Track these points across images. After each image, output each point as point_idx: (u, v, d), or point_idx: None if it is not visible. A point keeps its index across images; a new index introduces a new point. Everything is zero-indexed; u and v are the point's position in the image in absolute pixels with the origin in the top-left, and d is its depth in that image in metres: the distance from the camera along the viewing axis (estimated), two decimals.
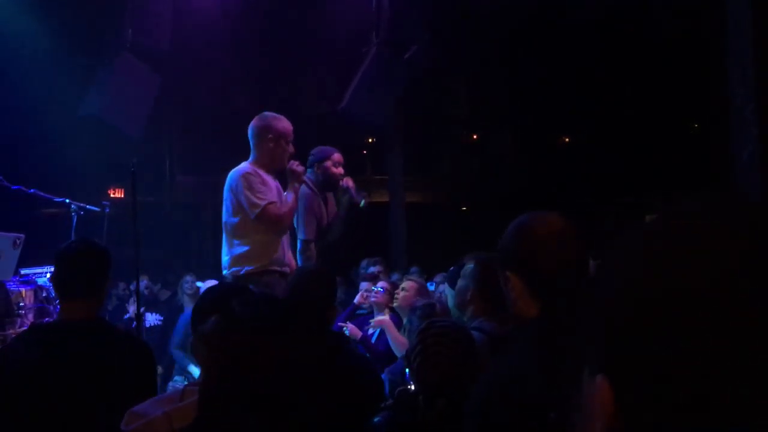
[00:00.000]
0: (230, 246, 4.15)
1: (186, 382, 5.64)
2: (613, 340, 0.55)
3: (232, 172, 4.24)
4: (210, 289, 2.39)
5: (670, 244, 0.55)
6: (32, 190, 4.70)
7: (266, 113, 4.44)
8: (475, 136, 18.78)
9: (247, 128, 4.47)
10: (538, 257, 1.52)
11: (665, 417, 0.51)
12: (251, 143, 4.36)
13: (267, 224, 4.06)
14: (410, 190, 13.19)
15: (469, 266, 3.06)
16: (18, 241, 4.12)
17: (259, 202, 4.04)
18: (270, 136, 4.28)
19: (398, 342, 4.18)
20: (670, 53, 10.78)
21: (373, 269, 6.14)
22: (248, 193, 4.06)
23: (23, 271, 4.47)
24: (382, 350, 4.44)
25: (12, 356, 2.68)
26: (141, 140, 7.38)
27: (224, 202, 4.22)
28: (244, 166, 4.23)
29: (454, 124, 17.51)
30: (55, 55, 7.74)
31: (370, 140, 17.17)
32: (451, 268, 4.79)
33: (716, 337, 0.50)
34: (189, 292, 6.81)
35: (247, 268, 4.06)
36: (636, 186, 13.75)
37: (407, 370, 2.29)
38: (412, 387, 2.22)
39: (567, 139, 17.96)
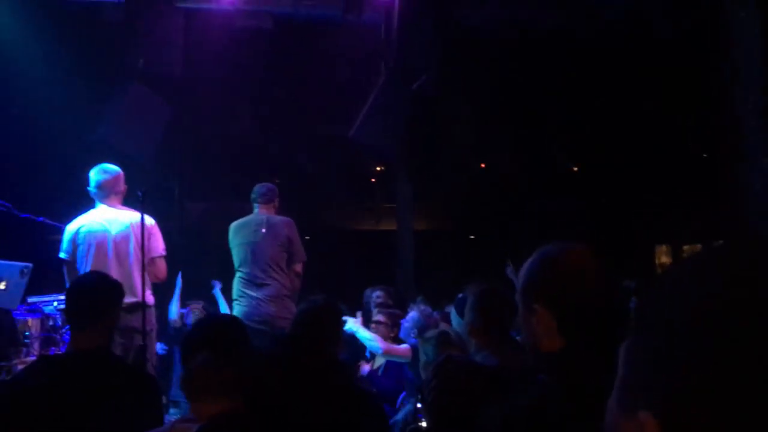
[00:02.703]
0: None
1: (179, 414, 5.60)
2: (672, 380, 0.53)
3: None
4: (198, 323, 2.38)
5: (738, 292, 0.52)
6: (41, 219, 4.71)
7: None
8: (482, 165, 18.79)
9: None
10: (570, 291, 1.46)
11: None
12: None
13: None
14: (418, 218, 13.18)
15: (461, 300, 3.02)
16: (25, 271, 4.12)
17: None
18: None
19: (371, 341, 4.28)
20: (679, 77, 10.78)
21: (375, 296, 6.07)
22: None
23: (30, 299, 4.46)
24: (389, 386, 4.41)
25: (19, 387, 2.69)
26: (151, 167, 7.42)
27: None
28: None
29: (461, 152, 17.54)
30: (66, 82, 7.81)
31: (378, 168, 17.21)
32: (459, 295, 4.78)
33: None
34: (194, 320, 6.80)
35: None
36: (645, 212, 13.69)
37: (419, 405, 2.25)
38: (424, 424, 2.18)
39: (576, 168, 17.95)
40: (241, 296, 5.08)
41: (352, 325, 4.56)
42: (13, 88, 7.68)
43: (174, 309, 6.84)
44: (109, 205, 4.63)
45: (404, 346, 4.43)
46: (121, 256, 4.52)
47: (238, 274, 5.15)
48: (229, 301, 5.52)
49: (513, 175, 17.40)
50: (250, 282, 5.03)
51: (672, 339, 0.54)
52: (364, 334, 4.55)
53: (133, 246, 4.51)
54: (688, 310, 0.54)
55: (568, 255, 1.52)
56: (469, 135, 16.85)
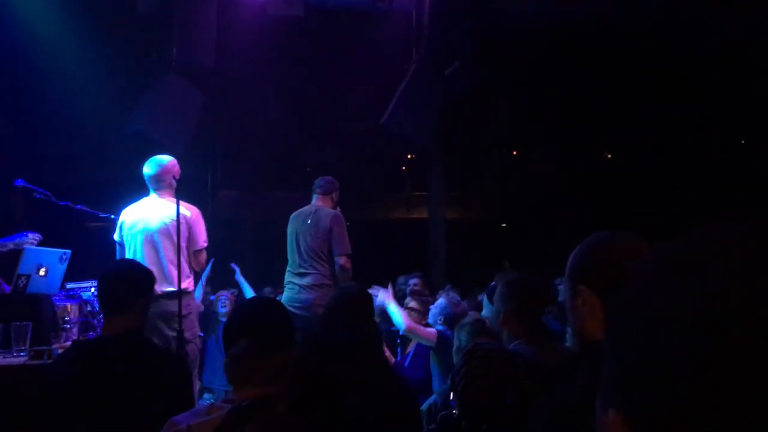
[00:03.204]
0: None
1: (212, 399, 5.69)
2: (628, 375, 0.53)
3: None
4: (239, 308, 2.38)
5: (692, 280, 0.52)
6: (79, 206, 4.80)
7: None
8: (515, 153, 18.65)
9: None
10: (615, 272, 1.42)
11: None
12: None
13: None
14: (450, 207, 13.13)
15: (492, 289, 2.98)
16: (64, 257, 4.20)
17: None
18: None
19: (398, 315, 4.29)
20: (716, 68, 10.56)
21: (412, 283, 6.08)
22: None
23: (68, 285, 4.55)
24: (417, 375, 4.40)
25: (55, 374, 2.76)
26: (185, 156, 7.51)
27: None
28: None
29: (494, 141, 17.42)
30: (102, 74, 7.93)
31: (409, 156, 17.18)
32: (492, 283, 4.75)
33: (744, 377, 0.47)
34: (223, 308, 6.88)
35: None
36: (679, 203, 13.47)
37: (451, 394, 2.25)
38: (455, 412, 2.18)
39: (609, 156, 17.72)
40: (287, 283, 5.23)
41: (383, 297, 4.54)
42: (50, 82, 7.82)
43: (197, 294, 6.93)
44: (159, 196, 4.72)
45: (430, 329, 4.40)
46: (158, 246, 4.61)
47: (288, 263, 5.29)
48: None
49: (546, 164, 17.24)
50: (294, 270, 5.18)
51: (638, 337, 0.53)
52: (393, 308, 4.51)
53: (171, 236, 4.59)
54: (648, 311, 0.53)
55: (618, 239, 1.49)
56: (503, 124, 16.75)
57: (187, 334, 4.40)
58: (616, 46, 10.42)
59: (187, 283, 4.59)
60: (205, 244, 4.73)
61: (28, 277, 3.97)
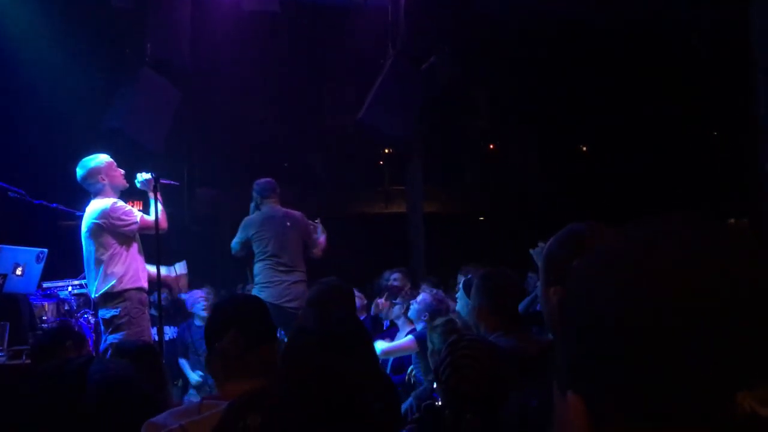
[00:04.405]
0: None
1: (199, 396, 5.64)
2: (576, 362, 0.57)
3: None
4: (222, 304, 2.37)
5: (634, 265, 0.55)
6: (54, 204, 4.75)
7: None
8: (492, 146, 18.73)
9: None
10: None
11: (636, 428, 0.53)
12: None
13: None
14: (428, 200, 13.17)
15: (470, 282, 2.99)
16: (41, 256, 4.16)
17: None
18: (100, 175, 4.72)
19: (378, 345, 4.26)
20: (692, 61, 10.69)
21: (393, 278, 6.13)
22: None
23: (45, 285, 4.50)
24: (398, 380, 4.42)
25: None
26: (161, 153, 7.44)
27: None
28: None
29: (473, 134, 17.48)
30: (76, 70, 7.83)
31: (387, 151, 17.18)
32: (463, 277, 4.79)
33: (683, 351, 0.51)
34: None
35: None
36: (657, 195, 13.63)
37: (435, 384, 2.27)
38: (439, 403, 2.20)
39: (585, 149, 17.87)
40: (270, 281, 5.53)
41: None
42: (23, 77, 7.70)
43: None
44: (94, 198, 4.67)
45: (406, 339, 4.43)
46: (88, 249, 4.57)
47: (266, 263, 5.57)
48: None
49: (525, 157, 17.34)
50: (281, 269, 5.54)
51: (579, 329, 0.57)
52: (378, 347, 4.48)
53: (96, 236, 4.53)
54: (585, 305, 0.57)
55: (589, 230, 1.51)
56: (481, 119, 16.80)
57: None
58: (595, 39, 10.51)
59: (120, 283, 4.49)
60: (135, 226, 4.61)
61: (5, 276, 3.93)
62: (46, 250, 4.19)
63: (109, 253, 4.48)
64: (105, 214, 4.53)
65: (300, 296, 5.26)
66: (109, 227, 4.52)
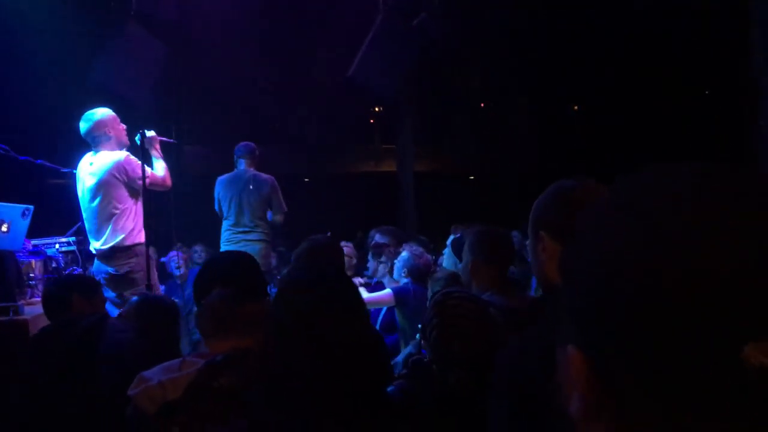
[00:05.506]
0: None
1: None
2: (585, 310, 0.55)
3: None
4: (211, 261, 2.37)
5: (646, 219, 0.53)
6: (39, 161, 4.68)
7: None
8: (483, 105, 18.62)
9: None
10: (573, 218, 1.41)
11: (639, 384, 0.51)
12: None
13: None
14: (418, 159, 13.12)
15: (458, 240, 2.97)
16: (26, 212, 4.11)
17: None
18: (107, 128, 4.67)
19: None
20: (686, 19, 10.59)
21: (379, 237, 6.09)
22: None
23: (33, 242, 4.46)
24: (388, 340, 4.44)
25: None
26: (148, 110, 7.34)
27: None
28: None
29: (464, 93, 17.35)
30: (61, 23, 7.66)
31: (377, 109, 17.06)
32: (452, 236, 4.78)
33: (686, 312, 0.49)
34: (199, 261, 6.85)
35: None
36: (650, 154, 13.65)
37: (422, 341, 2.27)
38: (427, 359, 2.20)
39: (576, 108, 17.80)
40: (229, 239, 5.81)
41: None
42: (6, 34, 7.53)
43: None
44: (96, 152, 4.63)
45: (385, 292, 4.43)
46: (96, 202, 4.54)
47: (227, 221, 5.84)
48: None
49: (516, 116, 17.25)
50: (238, 229, 5.79)
51: (584, 281, 0.55)
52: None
53: (107, 189, 4.51)
54: (591, 255, 0.55)
55: (581, 186, 1.50)
56: (473, 77, 16.66)
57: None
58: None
59: (130, 237, 4.53)
60: (147, 180, 4.59)
61: None
62: (31, 206, 4.14)
63: (121, 207, 4.51)
64: (120, 167, 4.53)
65: (257, 252, 5.38)
66: (123, 180, 4.53)
